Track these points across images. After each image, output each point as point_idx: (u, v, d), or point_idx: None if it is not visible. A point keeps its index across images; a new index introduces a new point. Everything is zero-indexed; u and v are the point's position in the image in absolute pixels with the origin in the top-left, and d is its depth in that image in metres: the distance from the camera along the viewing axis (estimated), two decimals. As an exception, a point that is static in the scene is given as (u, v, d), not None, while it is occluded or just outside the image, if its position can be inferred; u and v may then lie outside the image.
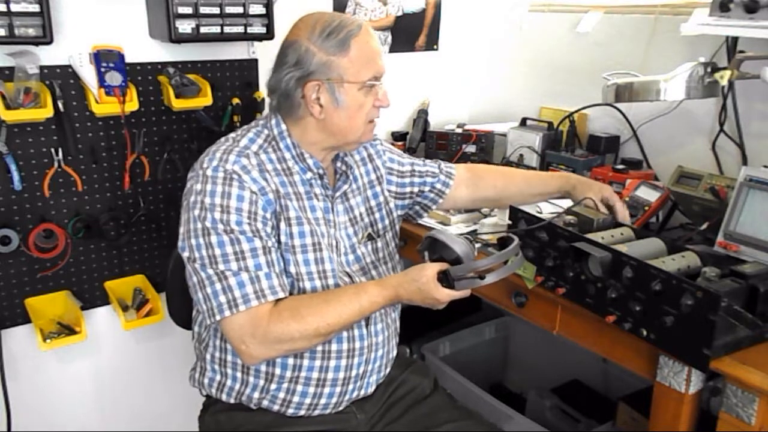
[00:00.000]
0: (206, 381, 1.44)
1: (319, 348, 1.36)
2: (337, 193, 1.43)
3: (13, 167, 1.74)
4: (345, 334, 1.38)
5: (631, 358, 1.42)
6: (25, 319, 1.87)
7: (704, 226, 1.62)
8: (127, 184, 1.92)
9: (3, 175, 1.75)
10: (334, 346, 1.37)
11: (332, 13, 1.38)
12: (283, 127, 1.39)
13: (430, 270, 1.26)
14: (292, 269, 1.34)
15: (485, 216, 1.89)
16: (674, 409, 1.33)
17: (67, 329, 1.84)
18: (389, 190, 1.57)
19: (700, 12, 1.68)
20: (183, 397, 1.52)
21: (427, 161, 1.67)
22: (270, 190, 1.32)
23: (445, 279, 1.27)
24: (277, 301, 1.27)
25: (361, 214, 1.48)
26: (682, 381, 1.30)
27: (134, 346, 2.12)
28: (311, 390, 1.38)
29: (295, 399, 1.38)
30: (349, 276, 1.41)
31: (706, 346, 1.20)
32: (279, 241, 1.33)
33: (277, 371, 1.37)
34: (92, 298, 1.98)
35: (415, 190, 1.61)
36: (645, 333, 1.30)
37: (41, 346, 1.79)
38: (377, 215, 1.52)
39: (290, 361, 1.36)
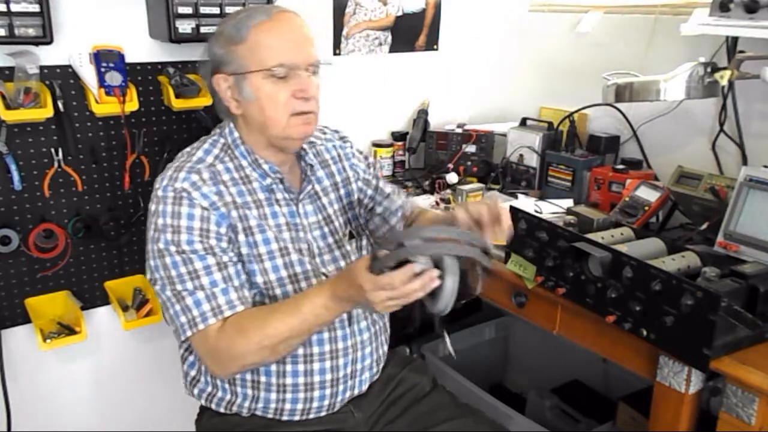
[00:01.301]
0: (197, 391, 1.44)
1: (300, 351, 1.34)
2: (302, 195, 1.40)
3: (13, 167, 1.74)
4: (326, 335, 1.35)
5: (631, 358, 1.42)
6: (25, 319, 1.87)
7: (704, 226, 1.62)
8: (127, 184, 1.92)
9: (3, 175, 1.75)
10: (315, 349, 1.35)
11: (255, 5, 1.37)
12: (236, 134, 1.37)
13: (362, 260, 1.13)
14: (259, 279, 1.31)
15: (485, 216, 1.88)
16: (674, 409, 1.33)
17: (67, 329, 1.84)
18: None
19: (700, 12, 1.68)
20: (183, 397, 1.52)
21: (397, 194, 1.60)
22: (223, 203, 1.29)
23: (375, 265, 1.09)
24: (230, 318, 1.25)
25: (335, 212, 1.46)
26: (682, 381, 1.30)
27: (134, 346, 2.12)
28: (301, 396, 1.37)
29: (287, 407, 1.37)
30: (327, 277, 1.38)
31: (706, 346, 1.20)
32: (241, 253, 1.31)
33: (263, 378, 1.36)
34: (92, 298, 1.98)
35: (365, 201, 1.55)
36: (645, 333, 1.30)
37: (41, 346, 1.79)
38: (351, 213, 1.50)
39: (273, 367, 1.35)
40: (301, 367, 1.35)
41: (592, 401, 2.21)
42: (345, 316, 1.37)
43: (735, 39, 1.72)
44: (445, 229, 1.12)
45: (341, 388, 1.40)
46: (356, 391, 1.43)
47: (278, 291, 1.33)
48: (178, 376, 1.53)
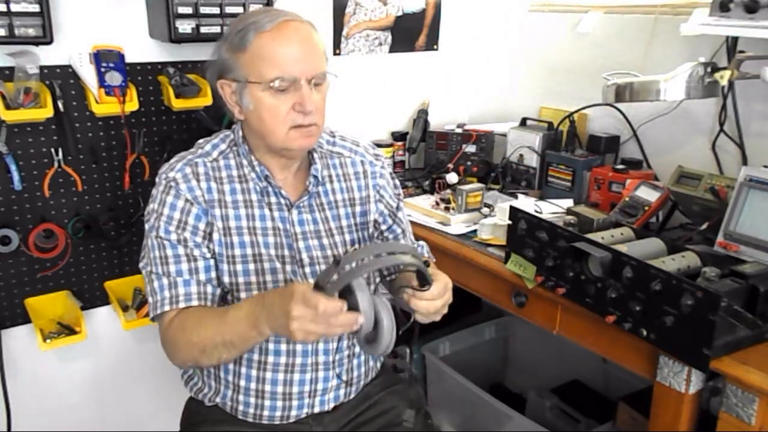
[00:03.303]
0: (190, 385, 1.48)
1: (255, 357, 1.35)
2: (300, 202, 1.39)
3: (13, 167, 1.74)
4: (284, 347, 1.34)
5: (631, 358, 1.42)
6: (25, 319, 1.87)
7: (704, 226, 1.62)
8: (127, 184, 1.92)
9: (3, 175, 1.75)
10: (270, 358, 1.35)
11: (265, 9, 1.35)
12: (241, 133, 1.38)
13: (306, 285, 1.10)
14: (226, 279, 1.33)
15: (485, 216, 1.89)
16: (674, 409, 1.33)
17: (67, 329, 1.84)
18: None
19: (700, 12, 1.68)
20: (183, 397, 1.52)
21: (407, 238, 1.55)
22: (206, 199, 1.32)
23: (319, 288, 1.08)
24: (183, 311, 1.29)
25: (341, 227, 1.43)
26: (682, 381, 1.30)
27: (134, 346, 2.12)
28: (252, 400, 1.37)
29: (240, 407, 1.39)
30: None
31: (706, 346, 1.20)
32: (214, 251, 1.32)
33: (221, 374, 1.38)
34: (92, 298, 1.98)
35: (382, 227, 1.51)
36: (645, 333, 1.30)
37: (41, 346, 1.79)
38: (362, 233, 1.47)
39: (230, 365, 1.37)
40: (253, 372, 1.36)
41: (592, 401, 2.21)
42: None
43: (735, 39, 1.72)
44: (377, 247, 1.19)
45: (296, 403, 1.37)
46: (316, 409, 1.40)
47: (243, 294, 1.33)
48: (177, 376, 1.53)
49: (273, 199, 1.37)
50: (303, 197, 1.40)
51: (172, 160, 1.37)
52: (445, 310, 1.25)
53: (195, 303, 1.29)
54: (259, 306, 1.16)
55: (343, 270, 1.07)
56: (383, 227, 1.51)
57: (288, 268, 1.35)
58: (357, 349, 1.44)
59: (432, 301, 1.20)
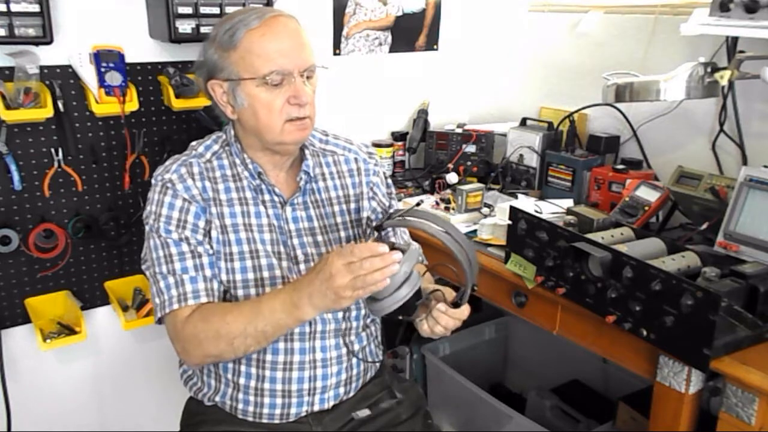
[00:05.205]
0: (190, 384, 1.48)
1: (254, 356, 1.34)
2: (294, 199, 1.40)
3: (13, 167, 1.74)
4: (281, 345, 1.34)
5: (631, 358, 1.42)
6: (25, 319, 1.87)
7: (704, 226, 1.62)
8: (127, 184, 1.92)
9: (3, 175, 1.75)
10: (268, 357, 1.35)
11: (250, 7, 1.35)
12: (233, 133, 1.39)
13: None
14: (224, 277, 1.33)
15: (485, 216, 1.89)
16: (674, 409, 1.33)
17: (67, 329, 1.84)
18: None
19: (700, 12, 1.68)
20: (183, 397, 1.52)
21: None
22: (203, 198, 1.33)
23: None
24: (201, 306, 1.28)
25: (337, 224, 1.44)
26: (682, 381, 1.30)
27: (134, 346, 2.12)
28: (251, 398, 1.37)
29: (240, 406, 1.38)
30: None
31: (706, 346, 1.20)
32: (212, 248, 1.33)
33: (221, 372, 1.39)
34: (92, 298, 1.98)
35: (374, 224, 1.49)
36: (645, 333, 1.30)
37: (41, 346, 1.79)
38: (358, 230, 1.47)
39: (230, 364, 1.37)
40: (253, 370, 1.36)
41: (592, 401, 2.21)
42: (306, 329, 1.35)
43: (735, 39, 1.72)
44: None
45: (295, 401, 1.38)
46: (316, 408, 1.40)
47: (240, 292, 1.33)
48: (177, 376, 1.53)
49: (267, 197, 1.38)
50: (296, 194, 1.41)
51: (166, 163, 1.37)
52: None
53: (204, 300, 1.29)
54: (296, 291, 1.18)
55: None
56: (375, 225, 1.51)
57: (284, 264, 1.36)
58: (355, 347, 1.44)
59: (453, 318, 1.28)
